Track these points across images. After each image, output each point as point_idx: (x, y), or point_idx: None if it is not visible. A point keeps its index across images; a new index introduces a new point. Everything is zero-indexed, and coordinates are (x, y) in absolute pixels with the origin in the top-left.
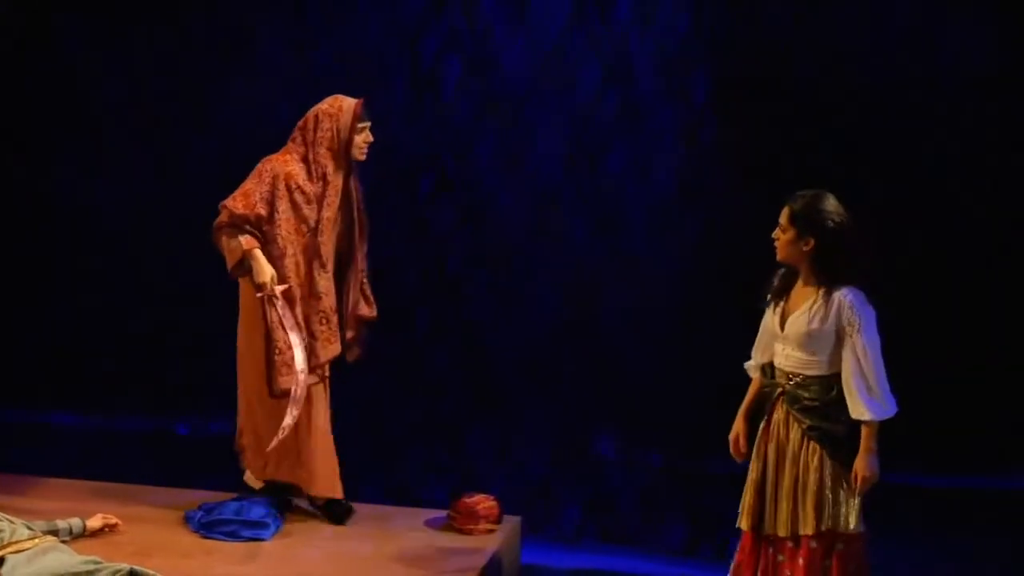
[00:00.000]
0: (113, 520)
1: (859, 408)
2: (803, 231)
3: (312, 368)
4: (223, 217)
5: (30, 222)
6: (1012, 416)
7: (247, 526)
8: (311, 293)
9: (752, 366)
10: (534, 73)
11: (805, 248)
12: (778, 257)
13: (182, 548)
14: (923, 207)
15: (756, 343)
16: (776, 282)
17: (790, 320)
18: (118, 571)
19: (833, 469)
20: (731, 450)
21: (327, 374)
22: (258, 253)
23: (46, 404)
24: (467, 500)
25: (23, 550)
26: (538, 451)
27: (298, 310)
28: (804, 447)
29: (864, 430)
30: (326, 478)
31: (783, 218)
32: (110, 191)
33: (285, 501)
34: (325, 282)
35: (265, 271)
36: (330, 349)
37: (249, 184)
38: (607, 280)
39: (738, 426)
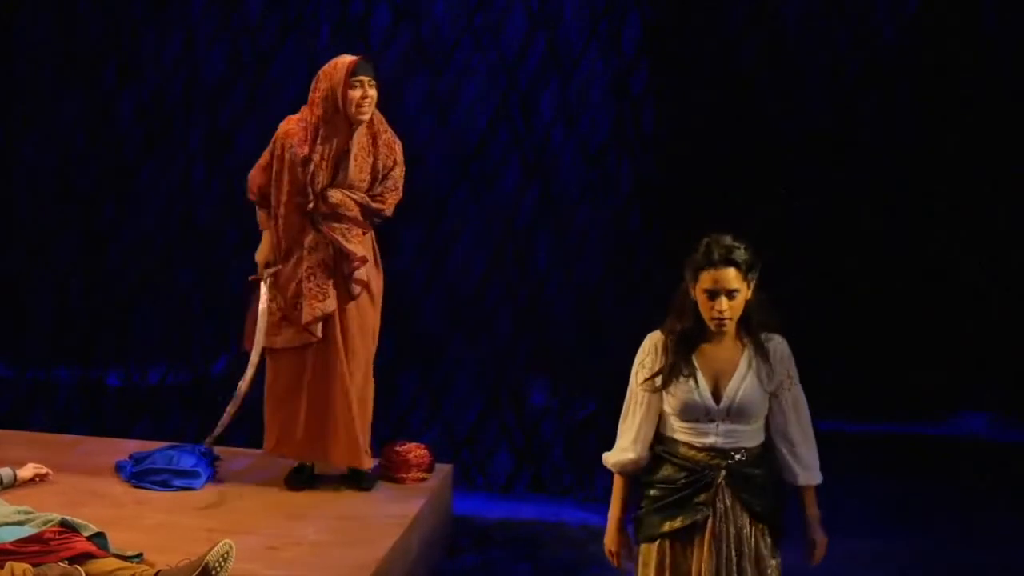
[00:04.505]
0: (44, 470)
1: (810, 473)
2: (751, 280)
3: (303, 326)
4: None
5: None
6: (937, 366)
7: (178, 475)
8: (301, 249)
9: (629, 460)
10: (462, 19)
11: (747, 299)
12: (726, 327)
13: (113, 498)
14: (852, 155)
15: (628, 430)
16: (668, 355)
17: (731, 387)
18: (50, 521)
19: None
20: (613, 563)
21: (318, 335)
22: (265, 233)
23: None
24: (399, 448)
25: None
26: (469, 400)
27: (288, 288)
28: (753, 536)
29: (811, 495)
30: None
31: (734, 281)
32: (39, 139)
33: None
34: (313, 238)
35: (260, 252)
36: (316, 307)
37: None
38: (538, 227)
39: (620, 537)
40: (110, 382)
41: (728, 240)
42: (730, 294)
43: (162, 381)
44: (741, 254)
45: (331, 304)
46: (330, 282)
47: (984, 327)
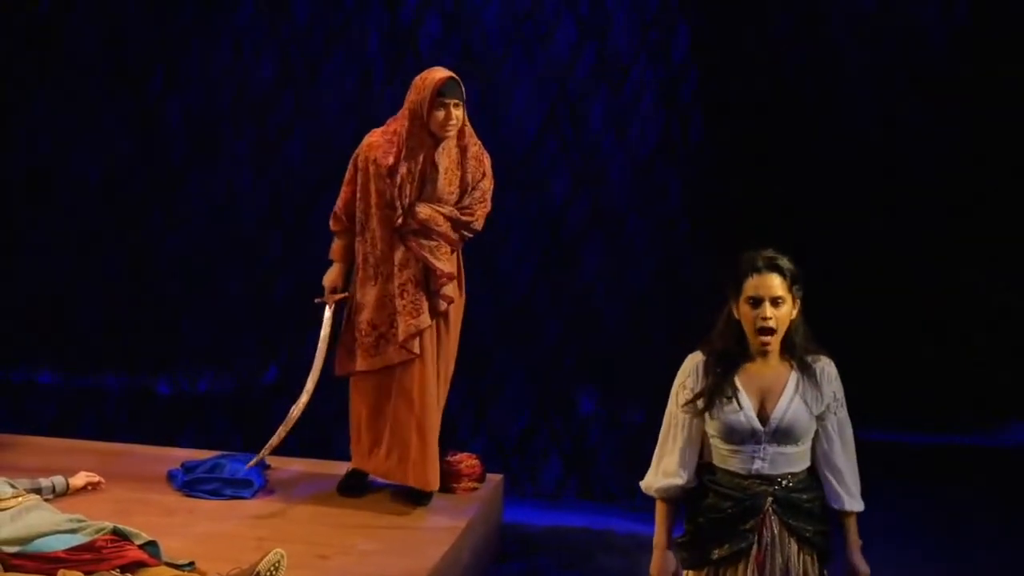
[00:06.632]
0: (96, 478)
1: (853, 499)
2: (796, 295)
3: (400, 343)
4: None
5: (3, 179)
6: (986, 376)
7: (229, 484)
8: (391, 266)
9: (676, 485)
10: (511, 28)
11: (792, 316)
12: (773, 342)
13: (165, 506)
14: (900, 164)
15: (671, 454)
16: (709, 376)
17: (779, 408)
18: (102, 529)
19: None
20: None
21: (417, 351)
22: (336, 263)
23: (28, 362)
24: (450, 459)
25: (7, 508)
26: (517, 408)
27: (383, 306)
28: (801, 563)
29: (853, 522)
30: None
31: (778, 288)
32: (88, 148)
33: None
34: (402, 255)
35: (327, 277)
36: (411, 323)
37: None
38: (586, 235)
39: (666, 564)
40: (158, 390)
41: (771, 251)
42: (775, 302)
43: (210, 390)
44: (785, 262)
45: (425, 320)
46: (422, 296)
47: None
